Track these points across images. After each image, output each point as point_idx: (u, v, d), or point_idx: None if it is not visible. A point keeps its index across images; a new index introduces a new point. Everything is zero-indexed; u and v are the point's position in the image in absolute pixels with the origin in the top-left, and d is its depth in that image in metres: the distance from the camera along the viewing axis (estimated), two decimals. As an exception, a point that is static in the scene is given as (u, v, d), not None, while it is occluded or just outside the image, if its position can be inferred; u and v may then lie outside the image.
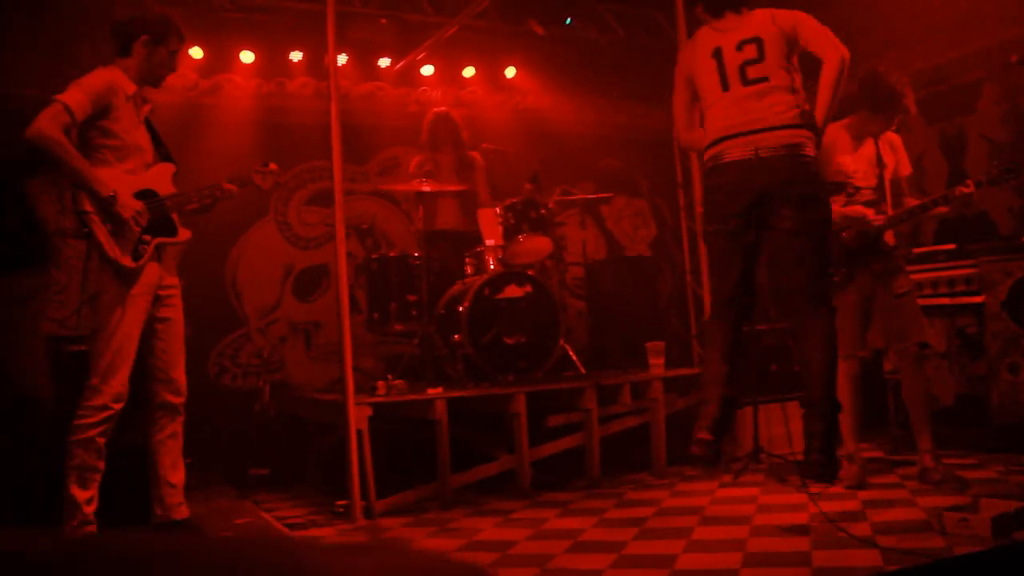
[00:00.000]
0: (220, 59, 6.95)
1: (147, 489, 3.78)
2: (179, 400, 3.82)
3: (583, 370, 5.90)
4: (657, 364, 5.82)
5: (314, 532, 4.59)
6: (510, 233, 5.89)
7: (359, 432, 4.81)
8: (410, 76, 7.63)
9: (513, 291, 5.72)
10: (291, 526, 4.68)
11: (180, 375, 3.84)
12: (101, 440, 3.49)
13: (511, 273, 5.76)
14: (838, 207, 4.69)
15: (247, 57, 6.98)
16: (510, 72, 7.87)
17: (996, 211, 6.77)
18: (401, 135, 7.51)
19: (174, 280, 3.88)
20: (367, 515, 4.78)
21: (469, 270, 6.11)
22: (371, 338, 6.67)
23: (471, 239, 6.21)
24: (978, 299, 5.54)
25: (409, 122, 7.39)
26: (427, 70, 7.62)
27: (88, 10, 5.87)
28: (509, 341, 5.65)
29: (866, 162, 4.77)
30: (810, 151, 3.85)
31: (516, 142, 7.20)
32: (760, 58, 3.87)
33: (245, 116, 7.04)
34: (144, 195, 3.68)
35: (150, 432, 3.75)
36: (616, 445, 5.78)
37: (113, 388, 3.50)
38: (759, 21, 3.95)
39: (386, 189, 6.93)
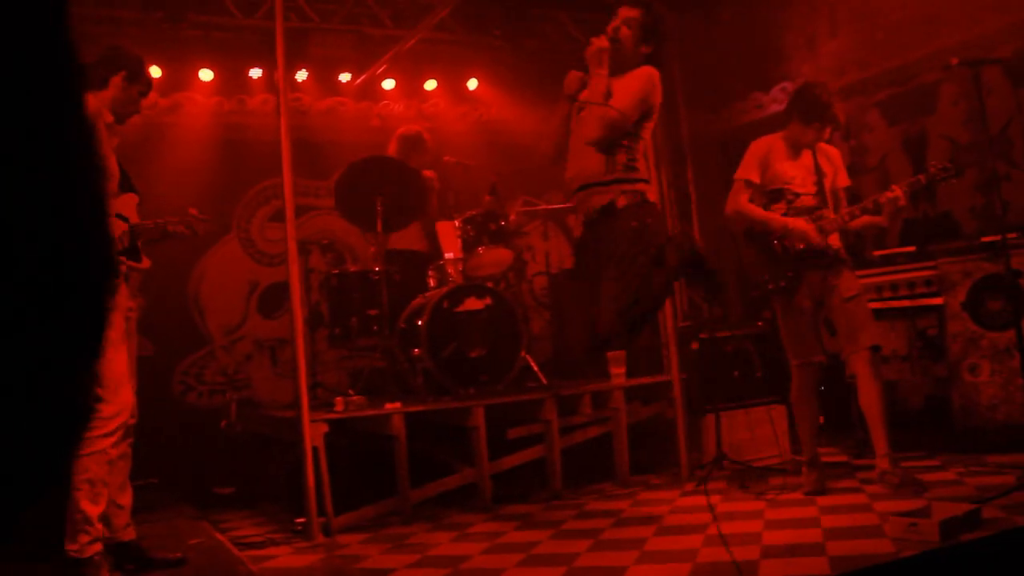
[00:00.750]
0: (179, 77, 6.94)
1: None
2: (133, 421, 3.79)
3: (544, 381, 5.87)
4: (618, 373, 5.80)
5: (271, 551, 4.55)
6: (470, 246, 5.87)
7: (315, 449, 4.77)
8: (372, 90, 7.63)
9: (473, 304, 5.69)
10: (248, 545, 4.63)
11: (132, 397, 3.79)
12: (113, 452, 3.50)
13: (471, 286, 5.74)
14: (780, 215, 4.73)
15: (206, 75, 6.97)
16: (472, 84, 7.87)
17: (959, 211, 6.77)
18: (363, 149, 7.42)
19: (134, 304, 4.00)
20: (325, 532, 4.74)
21: (432, 283, 6.08)
22: (334, 353, 6.64)
23: (430, 256, 6.20)
24: (938, 300, 5.53)
25: (371, 137, 7.37)
26: (388, 84, 7.61)
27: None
28: (470, 354, 5.62)
29: (804, 170, 4.85)
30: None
31: (480, 154, 7.19)
32: None
33: (206, 134, 7.03)
34: (119, 219, 3.85)
35: None
36: (580, 455, 5.75)
37: (124, 399, 3.53)
38: None
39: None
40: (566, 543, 4.18)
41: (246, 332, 7.16)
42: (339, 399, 5.33)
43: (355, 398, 5.37)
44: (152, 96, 6.77)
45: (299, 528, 4.78)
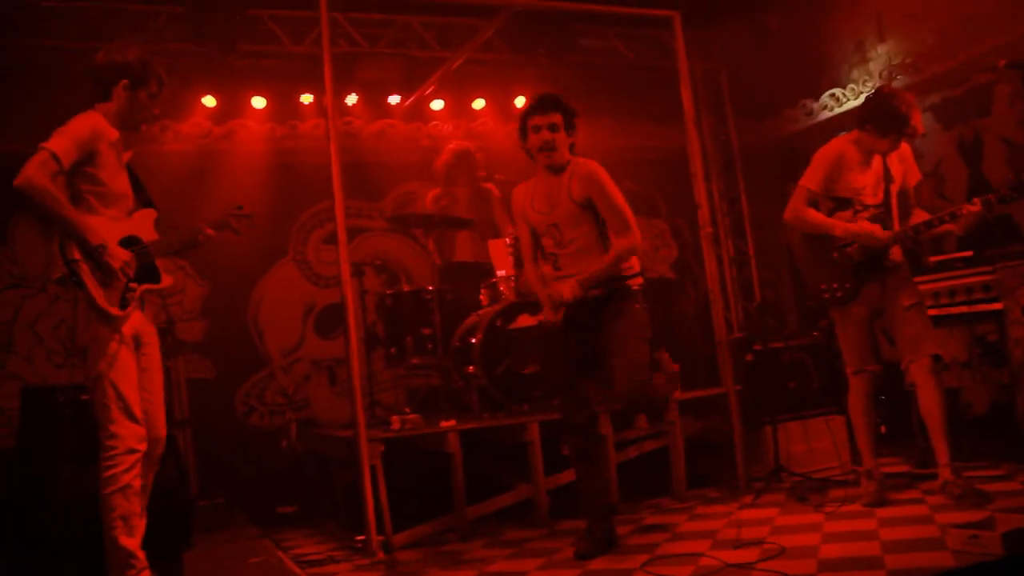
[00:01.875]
0: (232, 106, 7.13)
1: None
2: (157, 451, 3.76)
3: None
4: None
5: (331, 568, 4.63)
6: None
7: (373, 467, 4.85)
8: (420, 111, 7.73)
9: (526, 320, 5.73)
10: (310, 563, 4.72)
11: (161, 426, 3.76)
12: (137, 483, 3.48)
13: (523, 303, 5.77)
14: (844, 222, 4.66)
15: (259, 102, 7.14)
16: (520, 101, 7.91)
17: (1019, 214, 6.63)
18: (414, 170, 7.60)
19: (152, 328, 3.84)
20: (385, 549, 4.81)
21: (484, 301, 6.13)
22: (390, 372, 6.73)
23: (488, 271, 6.25)
24: (997, 306, 5.42)
25: (422, 157, 7.48)
26: (437, 104, 7.72)
27: (62, 57, 6.04)
28: (523, 371, 5.66)
29: (874, 178, 4.71)
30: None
31: (528, 172, 7.20)
32: None
33: (259, 160, 7.20)
34: (129, 241, 3.69)
35: None
36: (637, 469, 5.75)
37: (133, 431, 3.50)
38: None
39: (401, 224, 6.96)
40: (622, 558, 4.17)
41: (304, 353, 7.29)
42: (395, 418, 5.40)
43: (411, 416, 5.44)
44: (206, 124, 7.00)
45: (359, 545, 4.85)
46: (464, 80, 7.54)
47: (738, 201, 8.52)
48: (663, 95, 7.38)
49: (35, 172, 3.34)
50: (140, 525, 3.50)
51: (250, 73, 6.99)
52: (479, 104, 7.88)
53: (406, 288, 6.27)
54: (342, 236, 4.92)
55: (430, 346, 5.96)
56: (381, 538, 4.81)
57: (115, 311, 3.52)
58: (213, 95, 6.97)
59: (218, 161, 7.09)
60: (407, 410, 5.72)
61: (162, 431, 3.76)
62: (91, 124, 3.56)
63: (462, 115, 7.88)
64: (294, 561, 4.66)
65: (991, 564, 3.13)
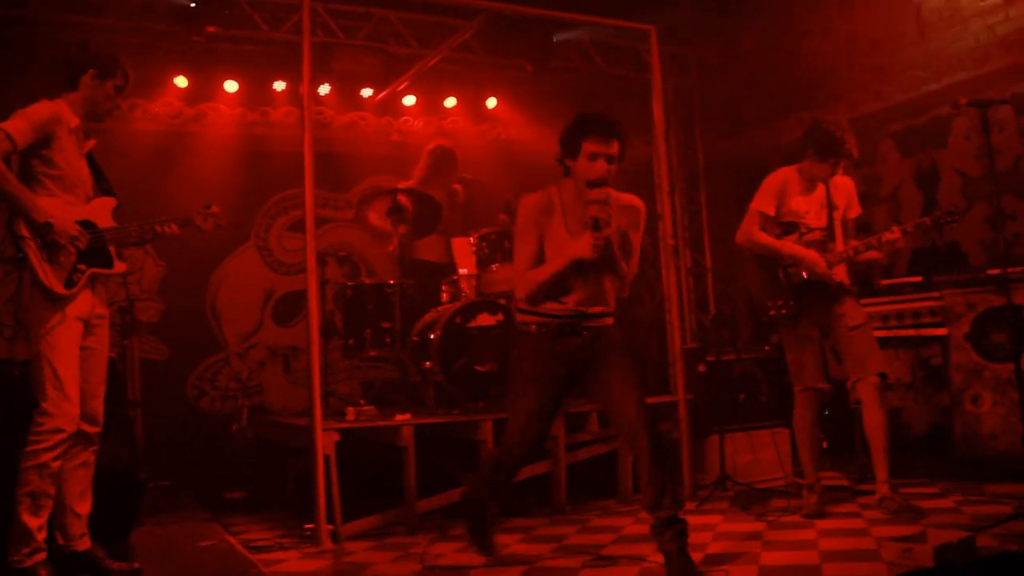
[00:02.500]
0: (205, 88, 7.12)
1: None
2: (94, 430, 3.75)
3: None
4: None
5: (279, 555, 4.65)
6: (484, 262, 5.98)
7: (326, 457, 4.88)
8: (393, 106, 7.79)
9: (485, 319, 5.79)
10: (257, 548, 4.73)
11: (98, 405, 3.77)
12: (56, 464, 3.48)
13: (483, 302, 5.83)
14: (790, 245, 4.85)
15: (231, 86, 7.14)
16: (491, 103, 8.02)
17: (968, 243, 6.84)
18: (382, 164, 7.65)
19: (104, 311, 3.84)
20: (333, 539, 4.83)
21: (445, 298, 6.19)
22: (347, 363, 6.76)
23: (450, 270, 6.31)
24: (942, 331, 5.61)
25: (390, 151, 7.54)
26: (409, 100, 7.77)
27: (34, 29, 6.01)
28: (480, 368, 5.71)
29: (817, 203, 4.97)
30: None
31: (496, 172, 7.33)
32: None
33: (229, 144, 7.20)
34: (83, 226, 3.70)
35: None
36: (585, 472, 5.84)
37: (64, 410, 3.50)
38: None
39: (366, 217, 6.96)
40: (567, 558, 4.26)
41: (260, 339, 7.30)
42: (350, 409, 5.44)
43: (366, 408, 5.48)
44: (177, 105, 6.98)
45: (307, 534, 4.87)
46: (437, 78, 7.60)
47: (699, 215, 8.66)
48: (632, 107, 7.51)
49: None
50: (47, 506, 3.49)
51: (224, 56, 6.99)
52: (451, 102, 7.94)
53: (368, 280, 6.30)
54: (310, 224, 4.95)
55: (388, 339, 6.00)
56: (330, 527, 4.83)
57: (59, 289, 3.53)
58: (186, 76, 6.96)
59: (187, 143, 7.07)
60: (362, 402, 5.75)
61: (99, 411, 3.76)
62: (50, 109, 3.61)
63: (434, 112, 7.94)
64: (243, 546, 4.67)
65: (923, 573, 3.26)
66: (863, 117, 7.47)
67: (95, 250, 3.72)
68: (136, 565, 3.71)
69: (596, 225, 3.68)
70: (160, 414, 6.47)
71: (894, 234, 4.65)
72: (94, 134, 3.93)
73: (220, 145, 7.16)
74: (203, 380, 7.08)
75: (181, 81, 6.96)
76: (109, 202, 3.90)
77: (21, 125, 3.47)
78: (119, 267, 3.87)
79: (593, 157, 3.80)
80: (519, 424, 3.97)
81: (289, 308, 7.35)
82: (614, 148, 3.84)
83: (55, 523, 3.66)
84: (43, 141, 3.56)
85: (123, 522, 4.25)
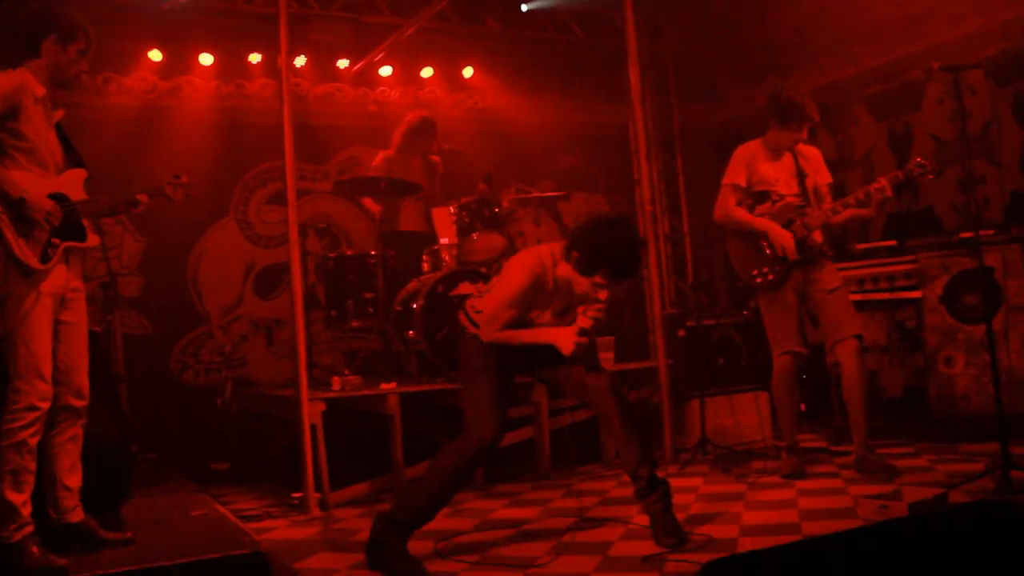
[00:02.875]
0: (179, 61, 7.07)
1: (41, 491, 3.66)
2: (81, 403, 3.74)
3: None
4: (607, 358, 5.97)
5: (268, 523, 4.71)
6: (464, 232, 6.01)
7: (313, 426, 4.94)
8: (369, 77, 7.76)
9: (467, 288, 5.82)
10: (247, 518, 4.78)
11: (82, 379, 3.74)
12: (33, 440, 3.47)
13: (465, 271, 5.88)
14: (766, 217, 4.96)
15: (206, 59, 7.09)
16: (468, 72, 8.01)
17: (941, 207, 6.96)
18: (360, 135, 7.65)
19: (79, 284, 3.79)
20: (321, 507, 4.91)
21: (426, 268, 6.23)
22: (330, 334, 6.80)
23: (431, 239, 6.34)
24: (916, 294, 5.72)
25: (368, 122, 7.54)
26: (385, 71, 7.76)
27: (7, 17, 5.93)
28: (463, 337, 5.76)
29: (787, 172, 5.06)
30: None
31: (474, 142, 7.33)
32: None
33: (205, 117, 7.16)
34: (55, 199, 3.62)
35: (49, 434, 3.64)
36: (570, 437, 5.93)
37: (37, 388, 3.48)
38: None
39: (348, 184, 6.94)
40: (554, 520, 4.35)
41: (243, 312, 7.32)
42: (336, 379, 5.49)
43: (351, 378, 5.54)
44: (152, 79, 6.94)
45: (295, 502, 4.94)
46: (414, 48, 7.58)
47: (675, 181, 8.71)
48: (608, 73, 7.54)
49: None
50: (29, 481, 3.48)
51: (198, 29, 6.94)
52: (427, 72, 7.93)
53: (349, 252, 6.33)
54: (291, 197, 4.97)
55: (371, 310, 6.04)
56: (318, 496, 4.91)
57: (35, 264, 3.48)
58: (160, 50, 6.90)
59: (162, 116, 7.03)
60: (347, 372, 5.80)
61: (84, 384, 3.75)
62: (13, 78, 3.51)
63: (410, 83, 7.93)
64: (233, 515, 4.72)
65: (896, 521, 3.37)
66: (837, 81, 7.56)
67: (69, 223, 3.66)
68: (129, 535, 3.73)
69: (583, 331, 3.72)
70: (145, 388, 6.50)
71: (880, 183, 4.68)
72: (66, 106, 3.83)
73: (196, 119, 7.12)
74: (186, 354, 7.10)
75: (155, 55, 6.91)
76: (80, 174, 3.82)
77: None
78: (93, 240, 3.81)
79: (604, 287, 3.71)
80: (479, 412, 3.87)
81: (270, 280, 7.36)
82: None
83: (47, 498, 3.68)
84: (9, 112, 3.47)
85: (114, 495, 4.26)
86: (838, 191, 5.28)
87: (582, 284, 3.74)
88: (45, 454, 3.66)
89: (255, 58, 7.22)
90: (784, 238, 4.85)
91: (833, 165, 5.33)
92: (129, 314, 6.79)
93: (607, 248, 3.64)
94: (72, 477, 3.74)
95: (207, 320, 7.20)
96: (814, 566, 1.63)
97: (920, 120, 7.13)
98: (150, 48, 6.89)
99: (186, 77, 7.12)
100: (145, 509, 4.44)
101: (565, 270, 3.80)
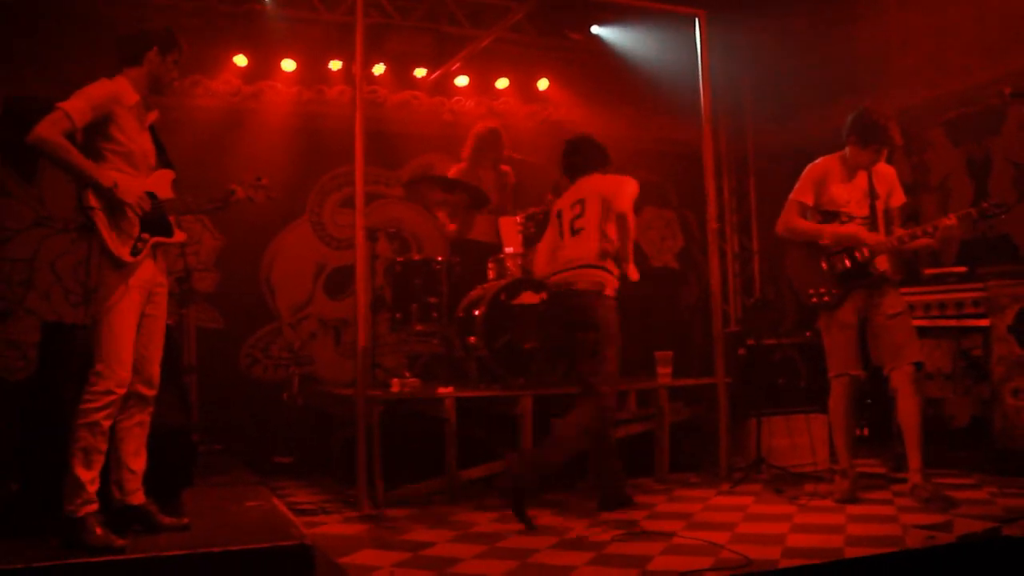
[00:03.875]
0: (263, 67, 7.31)
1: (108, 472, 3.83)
2: (151, 392, 3.94)
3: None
4: (664, 373, 5.97)
5: (322, 518, 4.85)
6: (530, 242, 6.08)
7: (369, 426, 5.06)
8: (445, 86, 7.90)
9: (529, 297, 5.91)
10: (301, 511, 4.95)
11: (155, 369, 3.95)
12: (106, 423, 3.66)
13: (528, 280, 5.95)
14: (831, 227, 4.88)
15: (289, 65, 7.33)
16: (543, 84, 8.10)
17: (1018, 234, 6.77)
18: (434, 143, 7.80)
19: (163, 280, 4.02)
20: (375, 505, 5.02)
21: (491, 275, 6.32)
22: (394, 337, 6.94)
23: (498, 249, 6.43)
24: (985, 322, 5.60)
25: (442, 131, 7.68)
26: (461, 80, 7.89)
27: (103, 22, 6.22)
28: (523, 346, 5.84)
29: (859, 192, 4.97)
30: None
31: (546, 154, 7.34)
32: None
33: (285, 121, 7.39)
34: (146, 197, 3.86)
35: (118, 418, 3.82)
36: (623, 450, 5.94)
37: (117, 374, 3.67)
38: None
39: (420, 185, 7.01)
40: (600, 530, 4.39)
41: (312, 311, 7.51)
42: (395, 381, 5.61)
43: (411, 380, 5.65)
44: (236, 83, 7.20)
45: (351, 500, 5.07)
46: (490, 58, 7.71)
47: (747, 199, 8.68)
48: (685, 90, 7.53)
49: (46, 128, 3.54)
50: (99, 461, 3.65)
51: (282, 36, 7.16)
52: (503, 83, 8.04)
53: (416, 257, 6.45)
54: (359, 203, 5.12)
55: (435, 315, 6.15)
56: (372, 494, 5.03)
57: (126, 257, 3.70)
58: (245, 54, 7.15)
59: (245, 119, 7.27)
60: (407, 374, 5.92)
61: (155, 374, 3.94)
62: (108, 88, 3.75)
63: (485, 93, 8.04)
64: (288, 508, 4.87)
65: (941, 548, 3.32)
66: (914, 105, 7.41)
67: (156, 220, 3.89)
68: (185, 520, 3.90)
69: None
70: (214, 381, 6.72)
71: (951, 220, 4.64)
72: (157, 108, 4.08)
73: (277, 122, 7.35)
74: (256, 349, 7.32)
75: (240, 60, 7.16)
76: (168, 174, 4.05)
77: (79, 104, 3.62)
78: (179, 236, 4.04)
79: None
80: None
81: (340, 282, 7.54)
82: None
83: (112, 479, 3.87)
84: (103, 119, 3.72)
85: (175, 481, 4.45)
86: (912, 216, 5.22)
87: None
88: (113, 437, 3.85)
89: (335, 65, 7.43)
90: (854, 231, 4.82)
91: (908, 189, 5.26)
92: (203, 308, 7.03)
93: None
94: (136, 461, 3.92)
95: (278, 317, 7.41)
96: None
97: (1000, 145, 6.96)
98: (235, 53, 7.14)
99: (268, 82, 7.36)
100: (204, 497, 4.60)
101: None
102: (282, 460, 6.44)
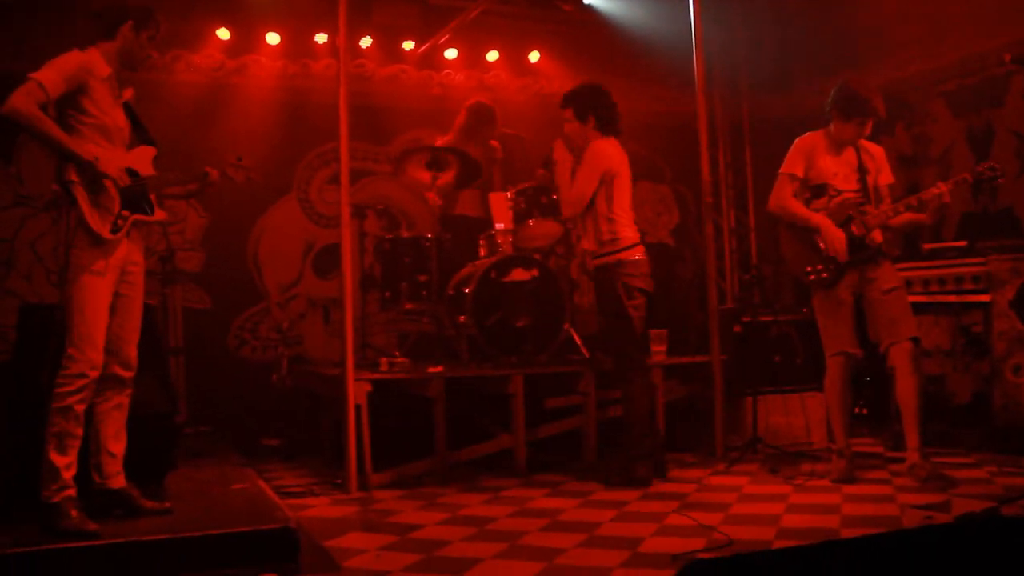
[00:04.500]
0: (247, 40, 7.15)
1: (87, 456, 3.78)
2: (128, 374, 3.85)
3: (586, 354, 5.97)
4: (659, 351, 5.86)
5: (310, 500, 4.76)
6: (521, 217, 5.95)
7: (358, 407, 4.96)
8: (434, 60, 7.74)
9: (520, 274, 5.79)
10: (289, 494, 4.85)
11: (132, 351, 3.86)
12: (80, 407, 3.57)
13: (518, 257, 5.83)
14: (822, 212, 4.80)
15: (273, 38, 7.17)
16: (534, 56, 7.95)
17: (1021, 207, 6.65)
18: (423, 117, 7.64)
19: (139, 258, 3.92)
20: (363, 487, 4.94)
21: (482, 252, 6.20)
22: (384, 316, 6.82)
23: (488, 225, 6.31)
24: (985, 297, 5.49)
25: (432, 104, 7.53)
26: (451, 53, 7.73)
27: None
28: (514, 324, 5.73)
29: (847, 167, 4.88)
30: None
31: (536, 127, 7.24)
32: None
33: (270, 96, 7.23)
34: (127, 173, 3.78)
35: (96, 401, 3.76)
36: (616, 429, 5.86)
37: (89, 357, 3.58)
38: None
39: (407, 157, 6.86)
40: (591, 512, 4.31)
41: (301, 291, 7.39)
42: (383, 360, 5.51)
43: (400, 360, 5.55)
44: (219, 57, 7.05)
45: (339, 482, 4.99)
46: (479, 31, 7.55)
47: (743, 173, 8.54)
48: (678, 61, 7.38)
49: (20, 99, 3.45)
50: (74, 446, 3.58)
51: (266, 9, 7.00)
52: (493, 56, 7.89)
53: (405, 234, 6.33)
54: (344, 179, 5.00)
55: (424, 293, 6.05)
56: (361, 476, 4.94)
57: (105, 234, 3.60)
58: (228, 28, 7.00)
59: (229, 94, 7.12)
60: (396, 354, 5.81)
61: (132, 356, 3.85)
62: (80, 59, 3.66)
63: (475, 66, 7.89)
64: (275, 491, 4.77)
65: (937, 528, 3.21)
66: (913, 75, 7.27)
67: (137, 197, 3.80)
68: (167, 504, 3.82)
69: None
70: (202, 362, 6.60)
71: (939, 189, 4.52)
72: (133, 84, 4.00)
73: (262, 97, 7.20)
74: (244, 329, 7.21)
75: (223, 33, 7.00)
76: (149, 151, 3.96)
77: (51, 75, 3.52)
78: (159, 215, 3.95)
79: None
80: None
81: (329, 260, 7.41)
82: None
83: (91, 463, 3.79)
84: (76, 90, 3.62)
85: (158, 465, 4.36)
86: (912, 189, 5.10)
87: None
88: (91, 420, 3.77)
89: (321, 38, 7.27)
90: (836, 238, 4.69)
91: (909, 162, 5.15)
92: (190, 288, 6.91)
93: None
94: (116, 444, 3.84)
95: (266, 297, 7.30)
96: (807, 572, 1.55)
97: (1002, 116, 6.81)
98: (218, 27, 6.98)
99: (252, 56, 7.19)
100: (188, 480, 4.52)
101: None
102: (270, 442, 6.34)
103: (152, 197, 3.90)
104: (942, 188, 4.49)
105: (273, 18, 7.11)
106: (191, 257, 7.00)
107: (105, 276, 3.65)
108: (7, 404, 4.25)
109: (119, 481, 3.84)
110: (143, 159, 3.91)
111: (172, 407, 4.79)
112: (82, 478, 3.64)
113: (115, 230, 3.66)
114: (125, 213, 3.71)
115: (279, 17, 7.12)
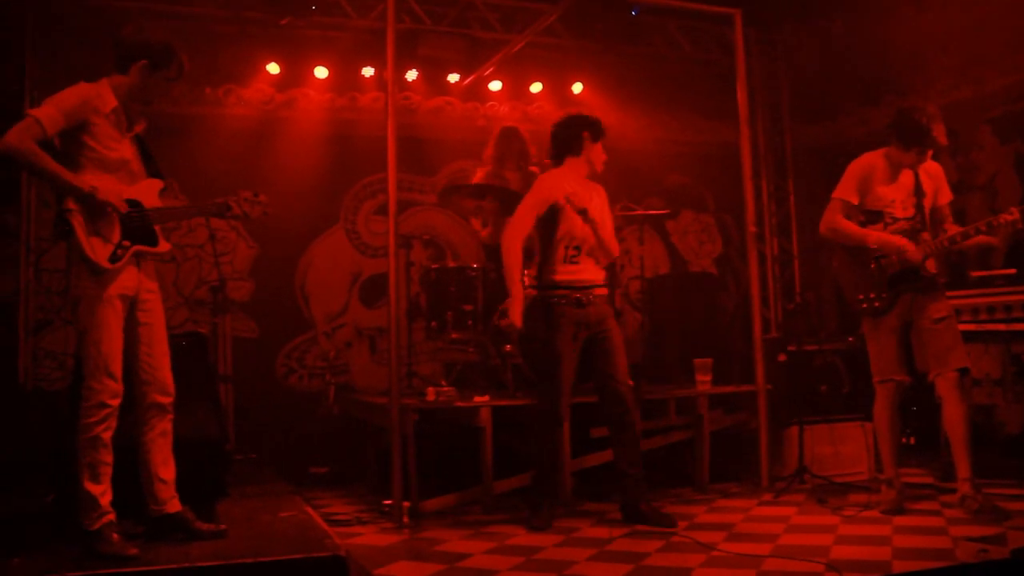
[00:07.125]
0: (295, 74, 7.32)
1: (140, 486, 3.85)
2: (167, 400, 3.89)
3: (631, 383, 5.96)
4: (704, 381, 5.86)
5: (357, 529, 4.80)
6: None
7: (404, 435, 5.00)
8: (478, 91, 7.87)
9: (565, 304, 5.80)
10: (336, 522, 4.89)
11: (166, 375, 3.90)
12: (106, 435, 3.63)
13: (563, 286, 5.84)
14: (877, 233, 4.73)
15: (321, 72, 7.33)
16: (577, 88, 8.01)
17: (1073, 235, 6.57)
18: (469, 148, 7.70)
19: (153, 286, 3.93)
20: (410, 515, 4.96)
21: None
22: (430, 345, 6.89)
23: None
24: (1035, 326, 5.42)
25: (477, 136, 7.58)
26: (495, 85, 7.84)
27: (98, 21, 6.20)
28: (559, 353, 5.74)
29: (904, 192, 4.80)
30: None
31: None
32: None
33: (318, 129, 7.39)
34: (129, 204, 3.77)
35: (141, 432, 3.83)
36: (662, 459, 5.85)
37: (107, 386, 3.62)
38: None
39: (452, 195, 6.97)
40: (638, 542, 4.29)
41: (348, 320, 7.49)
42: (431, 389, 5.55)
43: (446, 389, 5.59)
44: (269, 91, 7.20)
45: (386, 510, 5.01)
46: (523, 63, 7.64)
47: (787, 201, 8.53)
48: (719, 91, 7.42)
49: (16, 136, 3.46)
50: (107, 473, 3.64)
51: (314, 43, 7.18)
52: (536, 87, 7.99)
53: (451, 264, 6.39)
54: (392, 209, 5.06)
55: (470, 322, 6.08)
56: (408, 504, 4.97)
57: (103, 263, 3.61)
58: (277, 62, 7.16)
59: (278, 127, 7.28)
60: (443, 383, 5.86)
61: (168, 380, 3.89)
62: (84, 94, 3.66)
63: (519, 97, 7.99)
64: (322, 519, 4.82)
65: (994, 564, 3.19)
66: (958, 102, 7.23)
67: (141, 228, 3.79)
68: (223, 527, 3.89)
69: None
70: (250, 390, 6.72)
71: (1013, 216, 4.41)
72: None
73: (310, 130, 7.36)
74: (292, 358, 7.31)
75: (273, 68, 7.17)
76: (156, 184, 3.96)
77: (50, 112, 3.53)
78: (163, 246, 3.93)
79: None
80: None
81: (375, 290, 7.51)
82: None
83: (145, 491, 3.86)
84: (78, 126, 3.62)
85: (209, 491, 4.44)
86: (957, 216, 5.05)
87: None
88: (139, 451, 3.84)
89: (368, 72, 7.42)
90: (901, 243, 4.65)
91: (954, 188, 5.08)
92: (239, 317, 7.04)
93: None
94: (166, 470, 3.90)
95: (313, 326, 7.40)
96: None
97: (1050, 143, 6.77)
98: (268, 61, 7.14)
99: (301, 89, 7.36)
100: (238, 507, 4.58)
101: None
102: (318, 470, 6.40)
103: (157, 229, 3.90)
104: (1016, 214, 4.43)
105: (321, 52, 7.27)
106: (240, 287, 7.13)
107: (113, 306, 3.67)
108: (65, 430, 4.36)
109: (174, 505, 3.90)
110: (148, 192, 3.91)
111: (223, 434, 4.87)
112: (138, 507, 3.74)
113: (114, 259, 3.65)
114: (126, 243, 3.71)
115: (327, 51, 7.28)
